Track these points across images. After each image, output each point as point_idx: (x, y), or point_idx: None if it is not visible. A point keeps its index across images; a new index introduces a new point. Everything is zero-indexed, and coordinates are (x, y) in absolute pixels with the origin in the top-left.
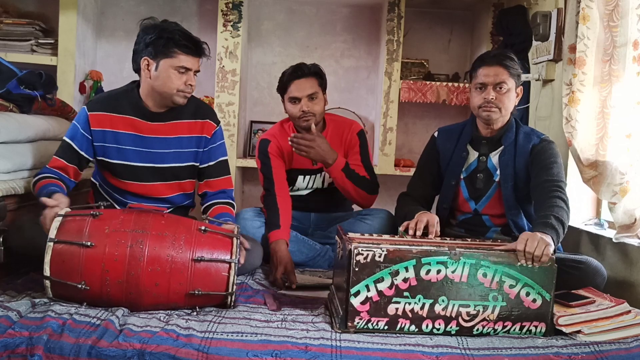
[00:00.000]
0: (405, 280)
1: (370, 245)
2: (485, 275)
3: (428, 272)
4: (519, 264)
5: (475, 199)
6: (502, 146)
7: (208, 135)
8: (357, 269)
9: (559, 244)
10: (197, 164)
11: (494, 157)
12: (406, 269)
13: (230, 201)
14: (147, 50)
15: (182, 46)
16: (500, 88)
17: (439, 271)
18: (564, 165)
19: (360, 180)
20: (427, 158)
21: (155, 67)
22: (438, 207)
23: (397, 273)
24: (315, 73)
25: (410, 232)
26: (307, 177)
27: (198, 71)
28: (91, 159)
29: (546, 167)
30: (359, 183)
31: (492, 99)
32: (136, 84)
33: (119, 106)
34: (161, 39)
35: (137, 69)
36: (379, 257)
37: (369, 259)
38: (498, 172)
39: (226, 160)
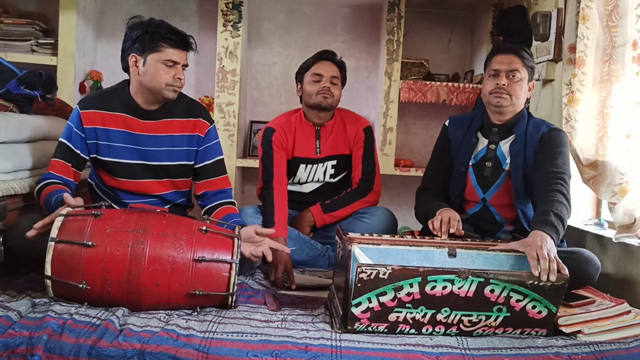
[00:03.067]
0: (409, 294)
1: (375, 265)
2: (492, 291)
3: (433, 288)
4: (530, 282)
5: (484, 188)
6: (513, 135)
7: (201, 134)
8: (359, 285)
9: (565, 244)
10: (190, 163)
11: (504, 146)
12: (411, 285)
13: (233, 201)
14: (134, 47)
15: (168, 39)
16: (513, 76)
17: (444, 287)
18: None
19: (344, 200)
20: (440, 148)
21: (143, 63)
22: (450, 196)
23: (401, 288)
24: (341, 65)
25: (438, 234)
26: (309, 166)
27: (186, 65)
28: (87, 157)
29: (551, 156)
30: (346, 202)
31: (504, 85)
32: (127, 82)
33: (110, 104)
34: (147, 34)
35: (125, 68)
36: (383, 274)
37: (372, 277)
38: (508, 160)
39: (223, 159)
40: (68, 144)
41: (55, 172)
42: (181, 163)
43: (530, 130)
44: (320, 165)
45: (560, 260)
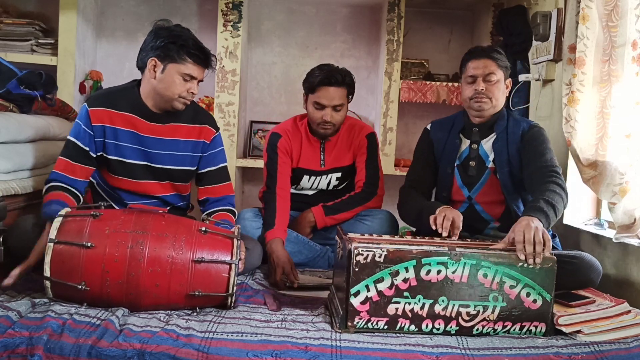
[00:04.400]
0: (405, 280)
1: (370, 245)
2: (485, 275)
3: (428, 272)
4: (519, 264)
5: (469, 186)
6: (494, 133)
7: (207, 141)
8: (357, 269)
9: (558, 240)
10: (192, 169)
11: (486, 144)
12: (406, 269)
13: (232, 208)
14: (156, 52)
15: (193, 55)
16: (490, 79)
17: (439, 271)
18: (564, 165)
19: (347, 203)
20: (423, 149)
21: (162, 70)
22: (437, 197)
23: (397, 273)
24: (348, 84)
25: (441, 230)
26: (313, 177)
27: (201, 80)
28: (95, 155)
29: (539, 153)
30: (349, 206)
31: (483, 89)
32: (136, 83)
33: (118, 103)
34: (174, 44)
35: (141, 67)
36: (379, 257)
37: (369, 259)
38: (490, 158)
39: (226, 166)
40: (76, 141)
41: (61, 171)
42: (183, 168)
43: (511, 128)
44: (324, 177)
45: (547, 235)
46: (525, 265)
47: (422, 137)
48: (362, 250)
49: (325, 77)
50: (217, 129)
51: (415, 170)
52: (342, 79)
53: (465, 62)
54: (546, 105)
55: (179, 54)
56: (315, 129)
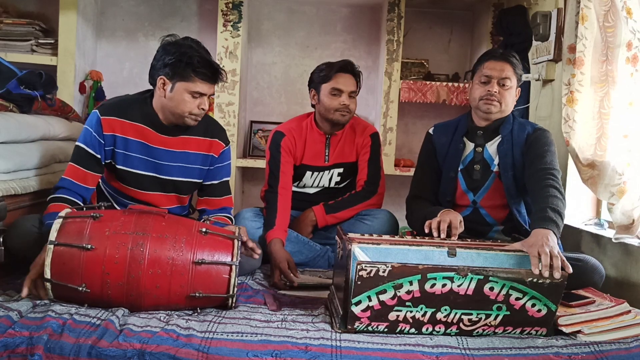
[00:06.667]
0: (408, 292)
1: (375, 262)
2: (492, 289)
3: (433, 285)
4: (529, 279)
5: (474, 190)
6: (499, 136)
7: (216, 154)
8: (359, 283)
9: (560, 243)
10: (199, 181)
11: (490, 147)
12: (410, 282)
13: (230, 216)
14: (164, 70)
15: (200, 73)
16: (504, 84)
17: (444, 285)
18: (564, 165)
19: (348, 201)
20: (426, 155)
21: (171, 88)
22: (441, 202)
23: (400, 286)
24: (358, 75)
25: (435, 233)
26: (316, 173)
27: (212, 94)
28: (104, 162)
29: (539, 155)
30: (350, 204)
31: (495, 92)
32: (150, 94)
33: (130, 113)
34: (180, 63)
35: (152, 83)
36: (383, 272)
37: (372, 274)
38: (495, 162)
39: (228, 181)
40: (86, 148)
41: (72, 178)
42: (191, 180)
43: (516, 131)
44: (327, 172)
45: (564, 257)
46: (536, 280)
47: (425, 143)
48: (365, 266)
49: (343, 64)
50: (227, 142)
51: (419, 178)
52: (356, 68)
53: (482, 61)
54: (546, 105)
55: (186, 72)
56: (332, 117)
